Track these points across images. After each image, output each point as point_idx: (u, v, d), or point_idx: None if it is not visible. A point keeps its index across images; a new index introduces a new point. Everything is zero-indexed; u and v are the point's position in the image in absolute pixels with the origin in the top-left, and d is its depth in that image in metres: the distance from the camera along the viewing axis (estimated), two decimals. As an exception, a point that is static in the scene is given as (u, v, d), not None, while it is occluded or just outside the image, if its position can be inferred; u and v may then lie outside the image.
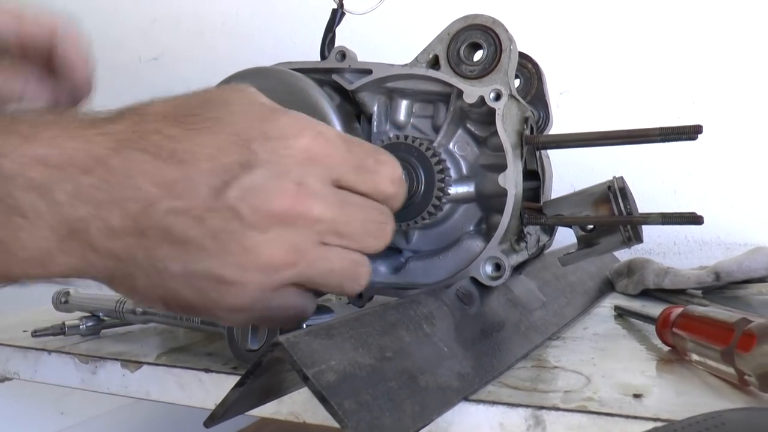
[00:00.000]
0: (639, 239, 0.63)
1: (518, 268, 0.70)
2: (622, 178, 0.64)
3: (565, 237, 0.75)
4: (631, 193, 0.64)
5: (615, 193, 0.62)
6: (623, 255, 1.07)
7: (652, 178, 1.20)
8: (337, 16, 0.74)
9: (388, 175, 0.48)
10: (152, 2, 1.65)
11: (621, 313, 0.77)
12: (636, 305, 0.84)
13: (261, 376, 0.40)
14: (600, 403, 0.46)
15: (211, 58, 1.56)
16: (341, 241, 0.45)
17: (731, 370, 0.47)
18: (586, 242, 0.64)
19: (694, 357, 0.55)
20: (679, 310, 0.59)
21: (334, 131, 0.47)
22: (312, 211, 0.43)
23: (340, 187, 0.45)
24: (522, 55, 0.77)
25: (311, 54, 0.71)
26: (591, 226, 0.64)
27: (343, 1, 0.75)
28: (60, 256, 0.41)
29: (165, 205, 0.41)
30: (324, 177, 0.44)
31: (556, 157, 0.78)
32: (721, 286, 0.82)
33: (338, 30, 0.73)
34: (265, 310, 0.45)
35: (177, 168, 0.41)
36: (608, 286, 0.98)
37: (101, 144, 0.40)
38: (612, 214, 0.62)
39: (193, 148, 0.41)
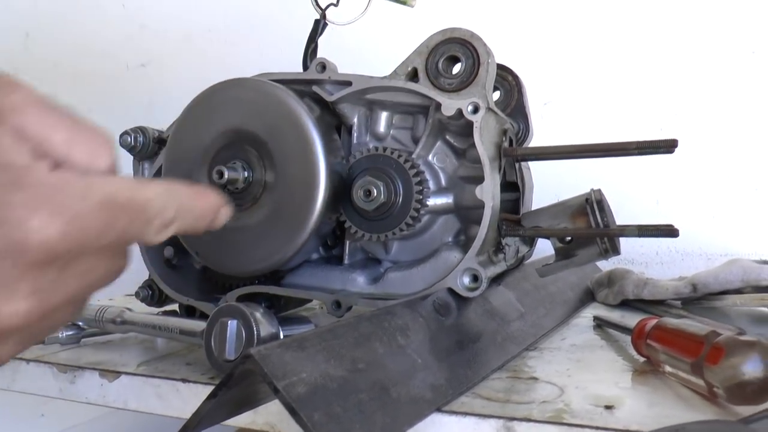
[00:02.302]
0: (616, 251, 0.64)
1: (497, 279, 0.71)
2: (599, 190, 0.65)
3: (547, 246, 0.76)
4: (608, 206, 0.65)
5: (592, 205, 0.63)
6: (605, 265, 1.08)
7: (635, 188, 1.20)
8: (319, 26, 0.75)
9: (142, 225, 0.40)
10: (139, 9, 1.65)
11: (600, 324, 0.78)
12: (616, 315, 0.85)
13: (233, 388, 0.40)
14: (571, 415, 0.47)
15: (197, 65, 1.56)
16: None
17: (701, 382, 0.48)
18: (564, 254, 0.65)
19: (668, 368, 0.55)
20: (653, 321, 0.60)
21: (96, 196, 0.37)
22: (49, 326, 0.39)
23: None
24: (502, 68, 0.78)
25: (297, 61, 0.72)
26: (569, 238, 0.65)
27: (326, 12, 0.75)
28: None
29: None
30: (66, 278, 0.38)
31: (540, 167, 0.79)
32: (699, 297, 0.83)
33: (326, 40, 0.74)
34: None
35: None
36: (589, 296, 0.98)
37: None
38: (589, 226, 0.63)
39: None
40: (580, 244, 0.64)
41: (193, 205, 0.43)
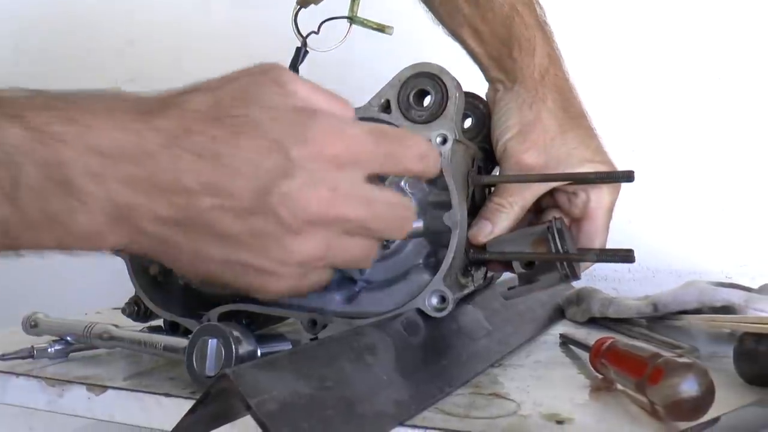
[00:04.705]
0: (576, 276, 0.68)
1: (466, 298, 0.75)
2: (561, 219, 0.69)
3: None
4: (569, 233, 0.69)
5: (553, 233, 0.66)
6: (577, 282, 1.12)
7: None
8: (301, 53, 0.78)
9: (415, 155, 0.52)
10: (129, 25, 1.68)
11: (565, 341, 0.82)
12: (583, 332, 0.89)
13: (210, 404, 0.44)
14: (524, 429, 0.50)
15: (186, 80, 1.59)
16: (365, 233, 0.50)
17: (645, 400, 0.52)
18: (527, 279, 0.68)
19: (619, 386, 0.59)
20: (609, 341, 0.64)
21: (364, 128, 0.49)
22: (343, 213, 0.47)
23: (372, 178, 0.50)
24: (474, 96, 0.82)
25: None
26: (531, 264, 0.68)
27: (307, 40, 0.79)
28: (110, 235, 0.45)
29: (208, 201, 0.45)
30: (355, 178, 0.48)
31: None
32: (661, 317, 0.87)
33: (308, 66, 0.77)
34: (297, 291, 0.50)
35: (220, 170, 0.45)
36: (560, 314, 1.02)
37: (151, 140, 0.44)
38: (550, 253, 0.67)
39: (235, 152, 0.45)
40: (542, 270, 0.68)
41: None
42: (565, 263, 0.66)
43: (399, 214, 0.52)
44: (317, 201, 0.46)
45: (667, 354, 0.52)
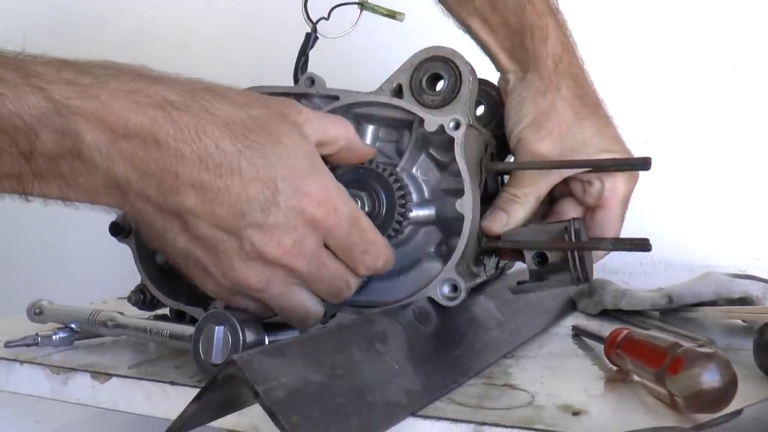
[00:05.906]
0: (587, 279, 0.65)
1: (478, 288, 0.73)
2: (580, 220, 0.66)
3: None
4: (586, 235, 0.67)
5: (570, 234, 0.64)
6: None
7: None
8: (310, 39, 0.77)
9: (367, 264, 0.59)
10: (136, 15, 1.67)
11: (577, 333, 0.80)
12: (595, 324, 0.88)
13: (217, 392, 0.43)
14: (539, 420, 0.49)
15: (193, 71, 1.58)
16: (306, 288, 0.57)
17: (664, 391, 0.51)
18: (538, 276, 0.66)
19: (635, 377, 0.58)
20: (624, 332, 0.62)
21: (348, 209, 0.56)
22: (294, 265, 0.54)
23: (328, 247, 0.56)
24: (487, 83, 0.80)
25: (291, 67, 0.74)
26: (543, 258, 0.66)
27: (317, 26, 0.78)
28: (103, 197, 0.52)
29: (192, 201, 0.51)
30: (318, 241, 0.55)
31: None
32: (675, 309, 0.85)
33: (318, 51, 0.76)
34: (225, 301, 0.59)
35: (214, 180, 0.50)
36: (572, 306, 1.01)
37: (164, 130, 0.49)
38: (564, 255, 0.64)
39: (234, 170, 0.51)
40: (554, 270, 0.66)
41: None
42: (578, 265, 0.63)
43: (339, 285, 0.58)
44: (278, 245, 0.52)
45: (686, 344, 0.50)
